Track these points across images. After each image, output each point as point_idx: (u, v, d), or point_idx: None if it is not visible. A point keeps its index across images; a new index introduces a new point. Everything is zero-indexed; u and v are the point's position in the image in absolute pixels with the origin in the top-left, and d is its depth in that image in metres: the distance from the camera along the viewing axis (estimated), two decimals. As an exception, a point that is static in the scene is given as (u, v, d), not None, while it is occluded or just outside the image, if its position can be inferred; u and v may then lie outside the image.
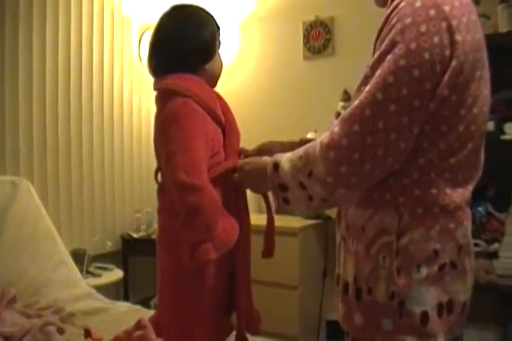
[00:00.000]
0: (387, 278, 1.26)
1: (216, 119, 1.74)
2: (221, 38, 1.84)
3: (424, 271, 1.26)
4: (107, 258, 3.62)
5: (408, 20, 1.18)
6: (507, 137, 2.55)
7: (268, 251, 1.91)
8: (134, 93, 4.00)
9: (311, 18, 3.79)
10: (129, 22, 3.92)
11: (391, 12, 1.25)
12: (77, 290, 2.75)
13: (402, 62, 1.17)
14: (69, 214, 3.50)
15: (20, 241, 2.71)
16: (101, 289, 2.97)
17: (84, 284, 2.87)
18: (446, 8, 1.19)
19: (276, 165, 1.40)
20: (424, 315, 1.25)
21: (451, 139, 1.25)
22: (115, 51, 3.80)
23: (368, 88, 1.21)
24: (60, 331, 2.09)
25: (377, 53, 1.23)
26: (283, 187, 1.38)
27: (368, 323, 1.30)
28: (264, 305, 3.26)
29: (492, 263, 2.54)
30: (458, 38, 1.18)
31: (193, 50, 1.72)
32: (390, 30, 1.22)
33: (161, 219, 1.77)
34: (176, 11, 1.81)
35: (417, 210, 1.27)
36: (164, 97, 1.69)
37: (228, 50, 4.15)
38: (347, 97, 3.40)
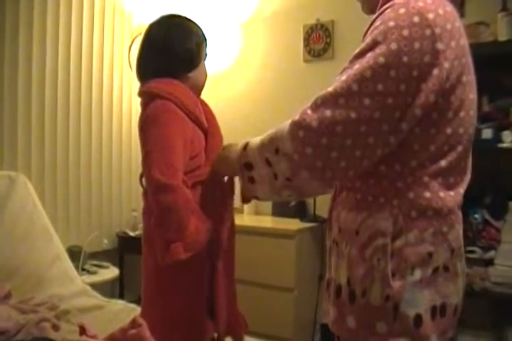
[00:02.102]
0: (381, 280, 1.26)
1: (197, 123, 1.80)
2: (208, 50, 1.92)
3: (418, 274, 1.27)
4: (103, 255, 3.62)
5: (391, 23, 1.21)
6: (504, 145, 2.56)
7: None
8: (134, 91, 3.99)
9: (312, 21, 3.81)
10: (130, 19, 3.93)
11: (376, 17, 1.28)
12: (73, 287, 2.75)
13: (381, 60, 1.19)
14: (66, 211, 3.51)
15: (16, 237, 2.71)
16: (96, 287, 2.97)
17: (79, 281, 2.87)
18: (431, 16, 1.21)
19: (246, 145, 1.43)
20: (418, 318, 1.26)
21: (440, 142, 1.27)
22: (115, 49, 3.81)
23: (344, 78, 1.22)
24: (55, 328, 2.09)
25: (358, 50, 1.25)
26: (249, 166, 1.40)
27: (361, 326, 1.30)
28: (260, 307, 3.29)
29: (487, 271, 2.55)
30: (440, 46, 1.20)
31: (177, 58, 1.80)
32: (373, 31, 1.24)
33: (144, 221, 1.82)
34: (165, 20, 1.88)
35: (411, 213, 1.27)
36: (146, 100, 1.76)
37: (229, 52, 4.17)
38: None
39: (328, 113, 1.21)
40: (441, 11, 1.24)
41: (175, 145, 1.66)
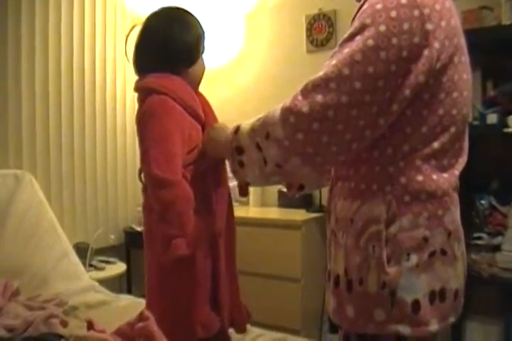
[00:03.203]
0: (377, 267, 1.26)
1: (195, 116, 1.79)
2: (206, 43, 1.92)
3: (414, 259, 1.26)
4: (110, 251, 3.63)
5: (379, 6, 1.21)
6: (510, 130, 2.53)
7: None
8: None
9: (314, 11, 3.78)
10: (132, 15, 3.90)
11: (364, 2, 1.29)
12: (80, 283, 2.76)
13: (370, 43, 1.19)
14: (72, 208, 3.51)
15: (23, 235, 2.72)
16: (104, 282, 2.98)
17: (87, 277, 2.88)
18: None
19: (237, 129, 1.45)
20: (416, 303, 1.25)
21: (432, 123, 1.26)
22: (117, 46, 3.81)
23: (334, 62, 1.22)
24: (63, 324, 2.09)
25: (346, 34, 1.25)
26: (240, 150, 1.42)
27: (360, 315, 1.30)
28: (267, 298, 3.29)
29: (495, 257, 2.54)
30: (429, 26, 1.20)
31: (176, 53, 1.79)
32: (361, 15, 1.25)
33: (144, 216, 1.82)
34: (163, 12, 1.86)
35: (404, 198, 1.27)
36: (143, 95, 1.76)
37: (233, 43, 4.15)
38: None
39: (319, 98, 1.21)
40: None
41: (173, 141, 1.66)
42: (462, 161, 1.38)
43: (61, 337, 1.88)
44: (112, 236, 3.68)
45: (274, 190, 3.82)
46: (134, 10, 3.91)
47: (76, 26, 3.51)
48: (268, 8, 4.02)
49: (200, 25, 1.88)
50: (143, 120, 1.71)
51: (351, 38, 1.23)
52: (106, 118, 3.75)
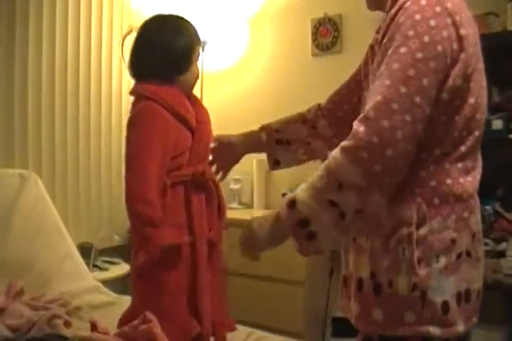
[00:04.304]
0: (407, 270, 1.27)
1: (184, 123, 1.83)
2: (201, 49, 1.96)
3: (443, 261, 1.28)
4: (114, 252, 3.63)
5: (417, 17, 1.22)
6: (515, 136, 2.54)
7: None
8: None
9: (320, 15, 3.78)
10: (138, 14, 3.91)
11: (397, 11, 1.28)
12: (84, 283, 2.76)
13: (419, 55, 1.19)
14: (76, 208, 3.52)
15: (27, 235, 2.73)
16: (108, 283, 2.98)
17: (91, 278, 2.88)
18: (449, 5, 1.24)
19: (291, 203, 1.31)
20: (445, 305, 1.28)
21: (461, 127, 1.28)
22: (124, 49, 3.80)
23: (387, 82, 1.21)
24: (67, 324, 2.10)
25: (391, 49, 1.24)
26: (305, 222, 1.28)
27: (389, 317, 1.31)
28: (270, 301, 3.29)
29: (500, 263, 2.54)
30: (463, 32, 1.24)
31: (167, 62, 1.84)
32: (399, 27, 1.24)
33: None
34: (158, 20, 1.91)
35: (433, 201, 1.28)
36: (135, 100, 1.83)
37: (237, 47, 4.15)
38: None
39: (385, 123, 1.18)
40: (456, 1, 1.27)
41: (152, 149, 1.74)
42: (480, 165, 1.41)
43: (65, 338, 1.89)
44: (116, 237, 3.68)
45: (278, 192, 3.82)
46: (134, 12, 3.92)
47: (82, 26, 3.53)
48: (274, 12, 4.03)
49: (195, 33, 1.92)
50: (129, 125, 1.79)
51: (395, 51, 1.23)
52: (111, 118, 3.76)
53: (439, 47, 1.20)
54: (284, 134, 1.87)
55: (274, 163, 1.90)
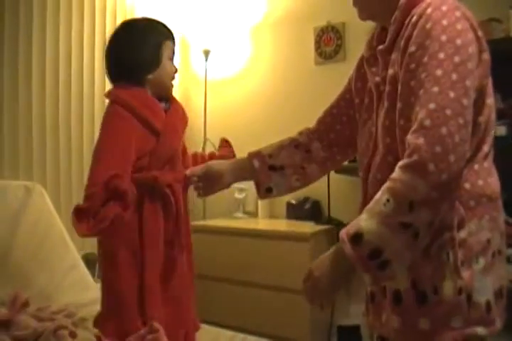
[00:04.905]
0: (452, 273, 1.30)
1: (148, 126, 1.82)
2: (174, 47, 1.94)
3: (482, 261, 1.32)
4: (118, 263, 3.62)
5: (445, 22, 1.27)
6: (519, 142, 2.54)
7: None
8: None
9: (323, 23, 3.81)
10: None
11: (418, 19, 1.31)
12: (89, 294, 2.75)
13: (457, 59, 1.23)
14: (81, 219, 3.51)
15: (33, 246, 2.73)
16: (113, 294, 2.97)
17: (96, 288, 2.87)
18: (464, 10, 1.31)
19: (355, 237, 1.25)
20: (488, 304, 1.31)
21: (483, 127, 1.33)
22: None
23: (436, 89, 1.23)
24: (73, 335, 2.09)
25: (427, 56, 1.26)
26: (376, 252, 1.23)
27: (437, 325, 1.32)
28: (275, 310, 3.28)
29: (506, 269, 2.52)
30: (480, 34, 1.31)
31: (129, 63, 1.85)
32: (429, 33, 1.27)
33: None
34: (123, 24, 1.93)
35: (469, 203, 1.32)
36: (107, 104, 1.86)
37: (240, 55, 4.17)
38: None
39: (444, 130, 1.19)
40: (462, 8, 1.33)
41: (115, 151, 1.75)
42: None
43: (71, 349, 1.89)
44: (121, 248, 3.68)
45: (282, 202, 3.82)
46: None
47: (86, 37, 3.55)
48: (277, 20, 4.05)
49: (163, 30, 1.91)
50: (101, 127, 1.81)
51: (434, 57, 1.25)
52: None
53: (470, 49, 1.25)
54: (277, 160, 1.83)
55: (266, 191, 1.85)
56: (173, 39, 1.94)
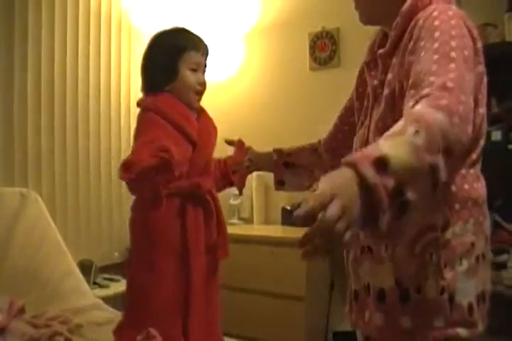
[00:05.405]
0: (435, 273, 1.30)
1: (183, 134, 1.83)
2: (200, 58, 1.98)
3: (465, 264, 1.32)
4: (114, 269, 3.61)
5: (453, 22, 1.29)
6: (514, 147, 2.55)
7: None
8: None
9: (317, 29, 3.81)
10: (138, 33, 3.94)
11: (425, 20, 1.32)
12: (85, 301, 2.75)
13: (466, 53, 1.24)
14: (76, 226, 3.51)
15: (28, 252, 2.72)
16: (108, 300, 2.96)
17: (91, 295, 2.87)
18: (468, 21, 1.33)
19: (380, 162, 0.98)
20: (470, 306, 1.31)
21: (472, 136, 1.21)
22: (122, 64, 3.85)
23: (451, 66, 1.19)
24: (68, 342, 2.09)
25: (437, 43, 1.25)
26: (397, 190, 1.00)
27: (418, 324, 1.32)
28: (271, 316, 3.27)
29: (500, 274, 2.53)
30: (479, 46, 1.34)
31: (152, 74, 1.89)
32: (438, 27, 1.28)
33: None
34: (153, 36, 1.96)
35: (455, 205, 1.32)
36: (139, 112, 1.88)
37: (234, 60, 4.18)
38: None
39: (463, 97, 1.12)
40: (466, 18, 1.36)
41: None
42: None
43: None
44: (116, 254, 3.68)
45: (277, 207, 3.82)
46: (137, 26, 3.96)
47: (81, 46, 3.55)
48: (271, 26, 4.06)
49: (182, 42, 1.91)
50: (135, 135, 1.82)
51: (445, 43, 1.24)
52: (110, 138, 3.76)
53: (465, 40, 1.27)
54: (293, 158, 1.99)
55: (279, 183, 2.03)
56: (199, 49, 1.94)
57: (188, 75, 1.90)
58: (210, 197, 1.87)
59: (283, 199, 3.79)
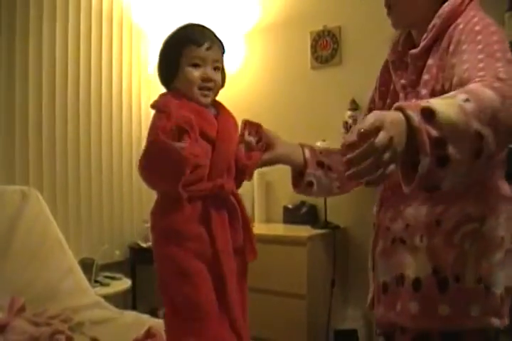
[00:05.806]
0: (473, 263, 1.34)
1: (202, 134, 1.74)
2: (204, 51, 1.81)
3: (498, 256, 1.36)
4: (115, 267, 3.62)
5: (492, 28, 1.36)
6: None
7: None
8: (143, 103, 4.02)
9: (319, 27, 3.81)
10: (139, 31, 3.96)
11: (466, 25, 1.38)
12: (86, 299, 2.75)
13: (509, 56, 1.28)
14: (78, 224, 3.52)
15: (29, 251, 2.72)
16: (109, 298, 2.96)
17: (92, 293, 2.87)
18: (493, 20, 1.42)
19: (427, 111, 1.03)
20: (502, 297, 1.36)
21: None
22: (124, 62, 3.85)
23: (498, 64, 1.22)
24: (69, 340, 2.09)
25: (481, 45, 1.30)
26: (440, 142, 1.02)
27: (457, 312, 1.35)
28: (272, 314, 3.28)
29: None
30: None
31: (160, 72, 1.84)
32: (479, 32, 1.34)
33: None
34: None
35: (490, 200, 1.37)
36: (154, 113, 1.79)
37: (236, 59, 4.17)
38: (354, 107, 3.40)
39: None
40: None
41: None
42: None
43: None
44: (117, 252, 3.68)
45: (279, 206, 3.82)
46: (140, 25, 3.96)
47: (82, 44, 3.55)
48: (273, 25, 4.05)
49: (183, 36, 1.82)
50: (148, 134, 1.72)
51: (489, 45, 1.29)
52: (112, 135, 3.77)
53: (506, 44, 1.33)
54: (326, 158, 1.75)
55: (308, 184, 1.74)
56: (201, 43, 1.79)
57: (188, 71, 1.84)
58: (234, 199, 1.81)
59: (284, 197, 3.80)
